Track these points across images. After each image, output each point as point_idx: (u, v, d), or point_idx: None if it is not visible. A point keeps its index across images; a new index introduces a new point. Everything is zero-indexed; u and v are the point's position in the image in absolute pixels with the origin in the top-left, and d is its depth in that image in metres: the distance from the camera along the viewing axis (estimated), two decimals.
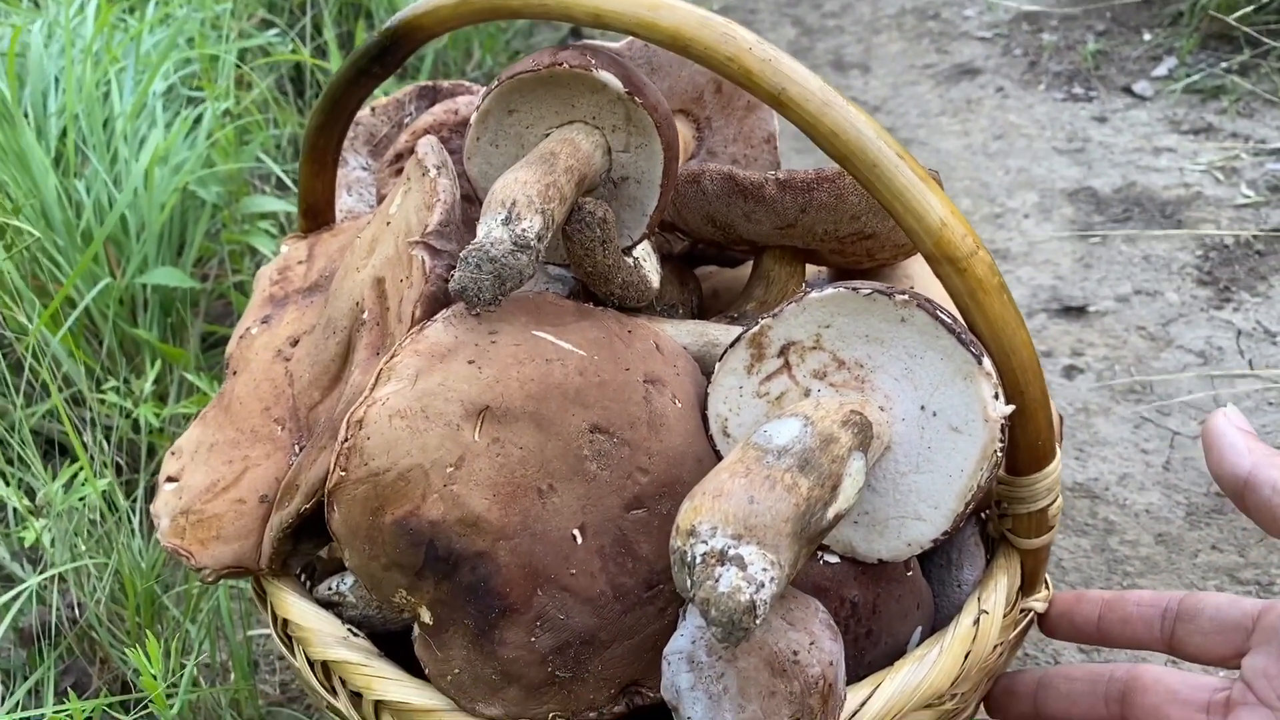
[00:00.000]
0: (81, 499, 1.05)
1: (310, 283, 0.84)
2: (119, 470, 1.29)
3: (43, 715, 0.84)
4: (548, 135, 0.71)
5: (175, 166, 1.41)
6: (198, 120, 1.51)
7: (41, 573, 0.98)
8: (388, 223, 0.73)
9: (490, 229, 0.62)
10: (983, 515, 0.79)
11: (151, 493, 1.29)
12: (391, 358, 0.64)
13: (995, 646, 0.69)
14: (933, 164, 2.10)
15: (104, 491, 1.09)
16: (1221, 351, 1.51)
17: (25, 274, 1.26)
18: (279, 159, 1.81)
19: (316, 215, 0.89)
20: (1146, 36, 2.38)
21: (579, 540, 0.63)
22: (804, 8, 2.96)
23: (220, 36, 1.89)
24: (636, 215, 0.73)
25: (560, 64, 0.67)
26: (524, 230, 0.62)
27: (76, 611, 1.05)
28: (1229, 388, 1.44)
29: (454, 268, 0.69)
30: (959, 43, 2.60)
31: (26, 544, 0.95)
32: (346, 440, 0.62)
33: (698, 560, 0.55)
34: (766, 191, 0.73)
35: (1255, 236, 1.72)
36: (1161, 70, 2.25)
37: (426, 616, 0.63)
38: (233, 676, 1.03)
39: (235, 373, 0.81)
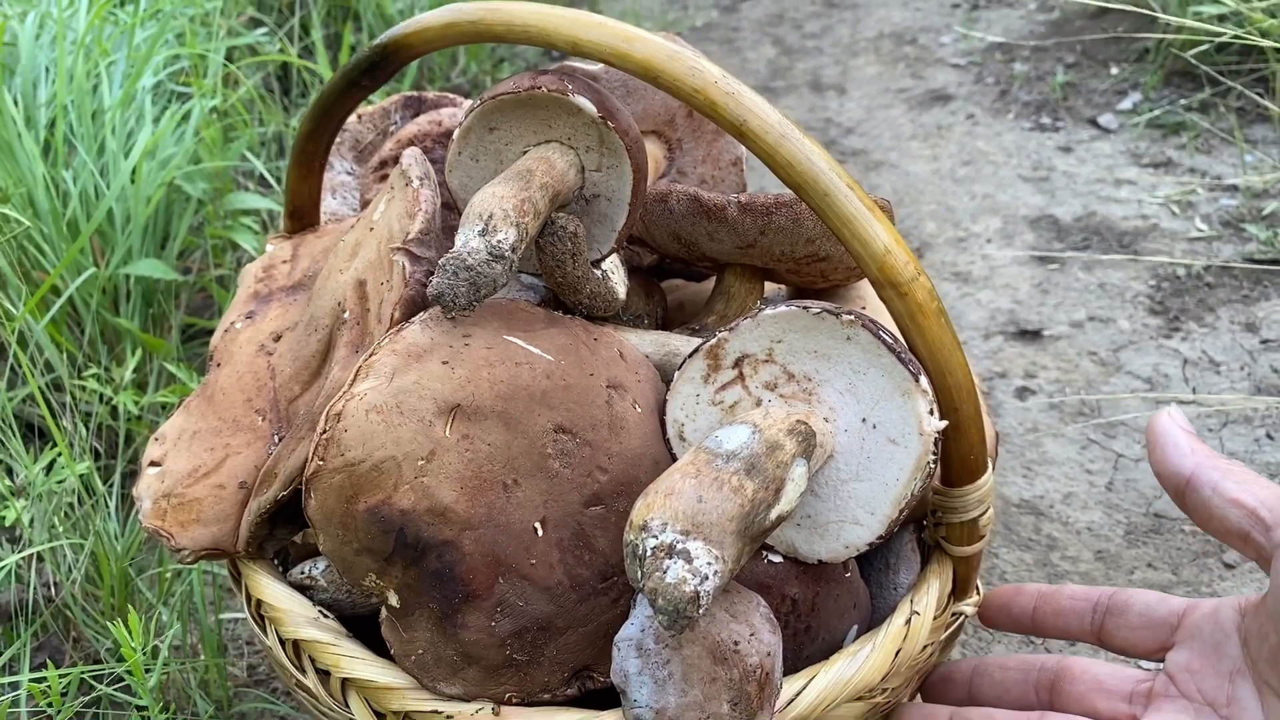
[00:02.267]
0: (60, 482, 1.08)
1: (294, 281, 0.88)
2: (96, 456, 1.32)
3: (18, 683, 0.88)
4: (525, 153, 0.75)
5: (163, 161, 1.44)
6: (185, 116, 1.55)
7: (20, 552, 1.01)
8: (371, 228, 0.78)
9: (468, 239, 0.66)
10: (921, 524, 0.84)
11: (129, 478, 1.33)
12: (370, 356, 0.68)
13: (925, 646, 0.74)
14: (901, 187, 2.16)
15: (82, 475, 1.12)
16: (1168, 378, 1.57)
17: (12, 261, 1.29)
18: (263, 156, 1.84)
19: (302, 217, 0.93)
20: (1114, 71, 2.45)
21: (540, 533, 0.68)
22: (784, 28, 3.02)
23: (209, 34, 1.93)
24: (606, 230, 0.77)
25: (539, 87, 0.71)
26: (499, 241, 0.66)
27: (52, 590, 1.09)
28: None
29: (432, 274, 0.73)
30: (933, 69, 2.66)
31: (7, 523, 0.98)
32: (325, 432, 0.66)
33: (648, 553, 0.59)
34: (728, 213, 0.78)
35: (1205, 269, 1.79)
36: (1126, 104, 2.32)
37: (394, 600, 0.68)
38: (202, 657, 1.07)
39: (219, 364, 0.85)
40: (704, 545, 0.59)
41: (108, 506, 1.17)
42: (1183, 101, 2.25)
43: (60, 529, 1.09)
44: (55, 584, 1.09)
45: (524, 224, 0.68)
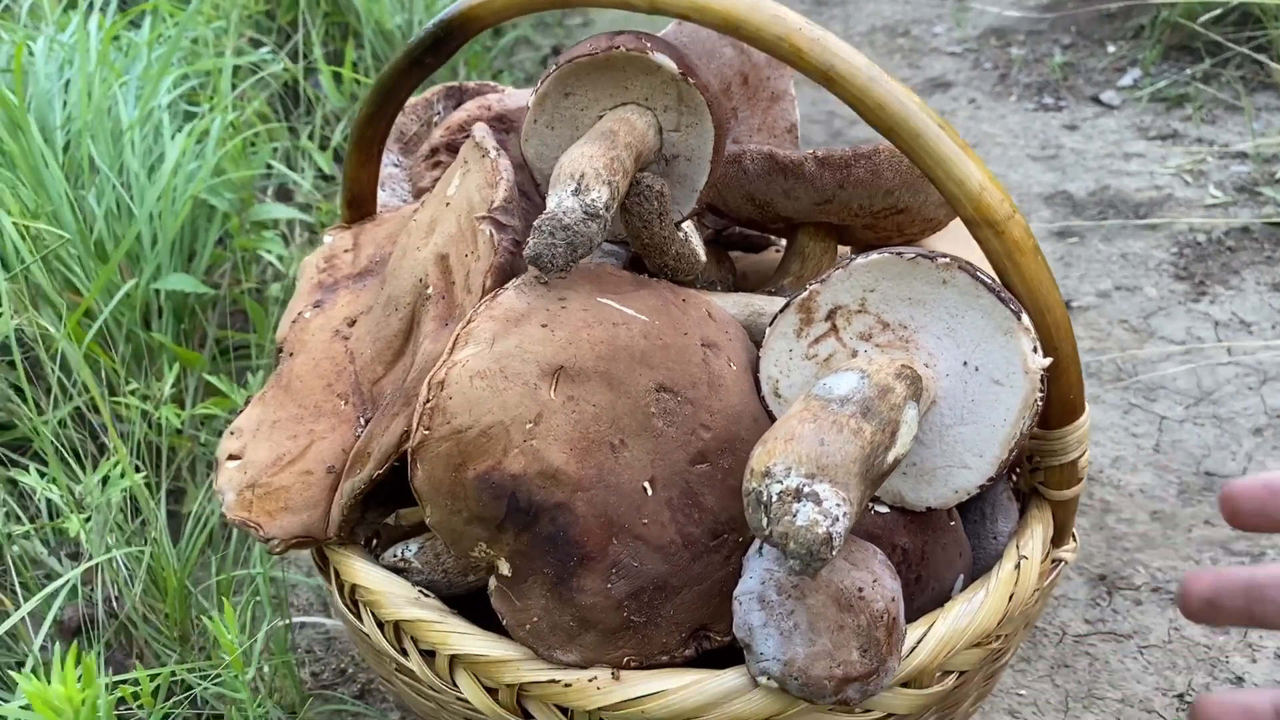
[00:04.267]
0: (114, 494, 1.07)
1: (360, 269, 0.87)
2: (137, 471, 1.30)
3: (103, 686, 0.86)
4: (600, 117, 0.75)
5: (188, 175, 1.43)
6: (205, 131, 1.54)
7: (82, 565, 0.99)
8: (447, 203, 0.77)
9: (561, 199, 0.66)
10: (1013, 475, 0.84)
11: (174, 495, 1.31)
12: (468, 323, 0.67)
13: (1034, 591, 0.74)
14: None
15: (130, 490, 1.11)
16: (1201, 341, 1.57)
17: (55, 281, 1.28)
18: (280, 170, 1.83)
19: (360, 205, 0.92)
20: (1110, 48, 2.47)
21: (649, 492, 0.67)
22: None
23: (213, 54, 1.92)
24: (686, 191, 0.77)
25: (618, 47, 0.71)
26: (593, 200, 0.66)
27: (114, 605, 1.07)
28: (1210, 374, 1.51)
29: (519, 241, 0.73)
30: (930, 58, 2.68)
31: (70, 535, 0.97)
32: (429, 401, 0.65)
33: (774, 498, 0.58)
34: (806, 169, 0.78)
35: (1226, 233, 1.79)
36: (1127, 80, 2.34)
37: (505, 568, 0.66)
38: (266, 669, 1.05)
39: (291, 354, 0.83)
40: (831, 487, 0.58)
41: (159, 519, 1.15)
42: (1185, 73, 2.27)
43: (117, 543, 1.07)
44: (115, 599, 1.07)
45: (615, 182, 0.67)
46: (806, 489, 0.58)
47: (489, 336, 0.66)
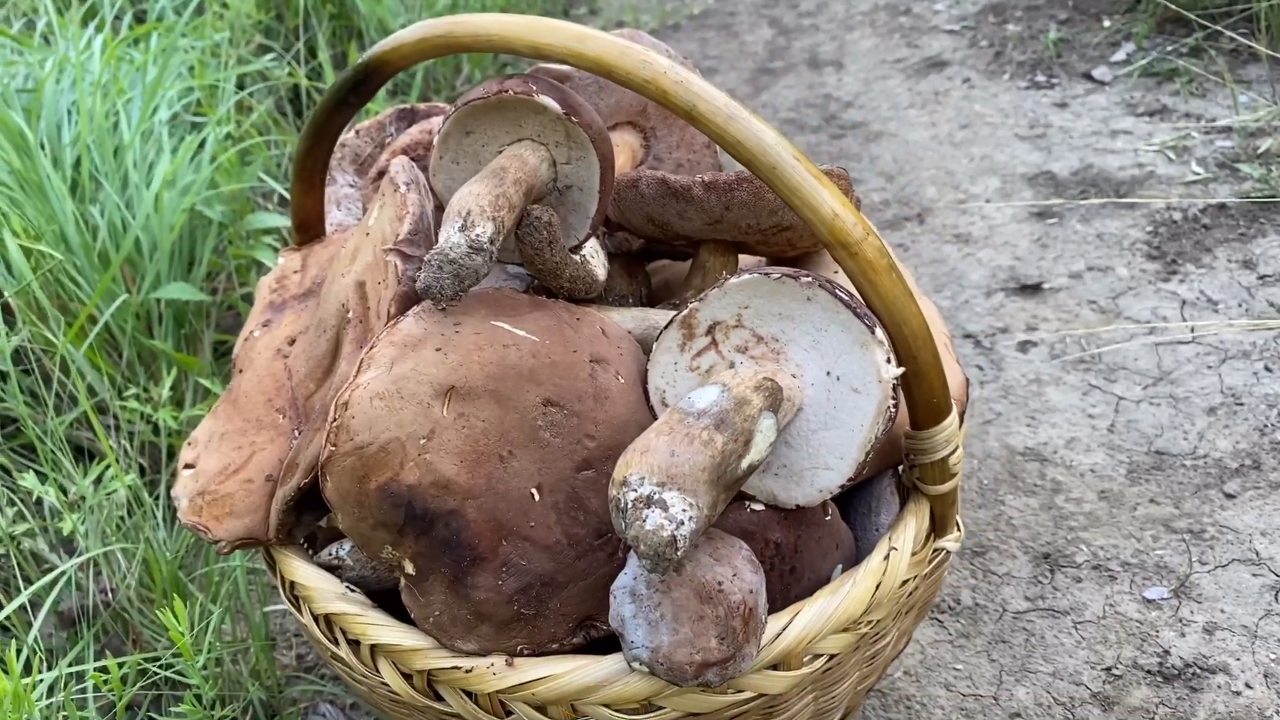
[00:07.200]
0: (109, 494, 1.16)
1: (305, 289, 0.95)
2: (141, 471, 1.40)
3: (84, 674, 0.96)
4: (500, 152, 0.81)
5: (183, 189, 1.53)
6: (201, 145, 1.63)
7: (77, 559, 1.09)
8: (367, 234, 0.84)
9: (449, 235, 0.73)
10: (899, 469, 0.90)
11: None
12: (370, 349, 0.75)
13: (906, 580, 0.80)
14: (901, 155, 2.21)
15: (130, 487, 1.20)
16: (1166, 321, 1.61)
17: (51, 295, 1.38)
18: (280, 177, 1.92)
19: (308, 229, 1.00)
20: (1106, 23, 2.47)
21: (537, 498, 0.74)
22: (781, 8, 3.06)
23: (220, 64, 2.01)
24: (581, 218, 0.84)
25: (506, 91, 0.78)
26: (478, 235, 0.73)
27: (110, 596, 1.17)
28: (1171, 354, 1.54)
29: None
30: (928, 37, 2.69)
31: (65, 533, 1.06)
32: (335, 420, 0.73)
33: (629, 505, 0.65)
34: (694, 193, 0.84)
35: (1203, 210, 1.82)
36: (1120, 55, 2.35)
37: (409, 568, 0.74)
38: (252, 650, 1.14)
39: (241, 371, 0.92)
40: (679, 494, 0.65)
41: (156, 516, 1.25)
42: (1175, 48, 2.27)
43: (113, 539, 1.17)
44: (112, 589, 1.17)
45: (500, 218, 0.74)
46: (656, 496, 0.65)
47: (388, 360, 0.74)
